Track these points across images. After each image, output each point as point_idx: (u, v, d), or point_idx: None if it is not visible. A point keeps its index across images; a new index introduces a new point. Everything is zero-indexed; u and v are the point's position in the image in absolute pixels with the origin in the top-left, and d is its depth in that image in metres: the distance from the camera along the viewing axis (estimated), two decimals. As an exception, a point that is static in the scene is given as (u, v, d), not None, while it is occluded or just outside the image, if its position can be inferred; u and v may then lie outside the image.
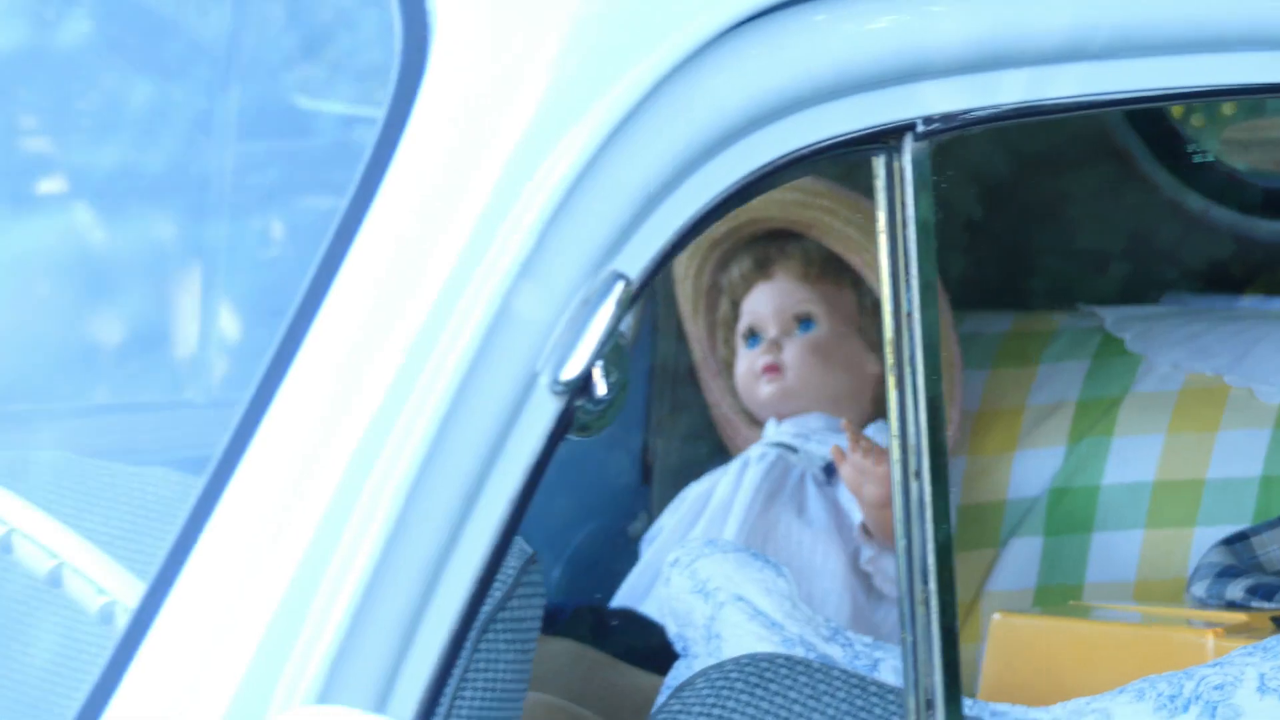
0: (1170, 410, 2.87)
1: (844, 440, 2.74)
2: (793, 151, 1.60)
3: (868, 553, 2.75)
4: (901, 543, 1.60)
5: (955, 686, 1.63)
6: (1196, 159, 3.29)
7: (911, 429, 1.63)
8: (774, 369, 2.89)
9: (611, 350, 1.44)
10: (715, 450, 3.00)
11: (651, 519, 2.95)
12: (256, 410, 1.40)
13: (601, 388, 1.42)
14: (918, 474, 1.60)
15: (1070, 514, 2.89)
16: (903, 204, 1.69)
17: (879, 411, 2.88)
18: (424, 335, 1.42)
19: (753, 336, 2.95)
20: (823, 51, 1.61)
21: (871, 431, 2.85)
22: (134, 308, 2.71)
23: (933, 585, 1.58)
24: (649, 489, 3.11)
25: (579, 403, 1.44)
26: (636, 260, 1.50)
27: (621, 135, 1.51)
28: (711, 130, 1.55)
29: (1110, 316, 2.96)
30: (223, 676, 1.34)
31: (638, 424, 3.17)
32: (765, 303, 2.98)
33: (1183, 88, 1.86)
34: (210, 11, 2.87)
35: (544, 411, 1.43)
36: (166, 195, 2.81)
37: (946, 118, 1.68)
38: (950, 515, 1.68)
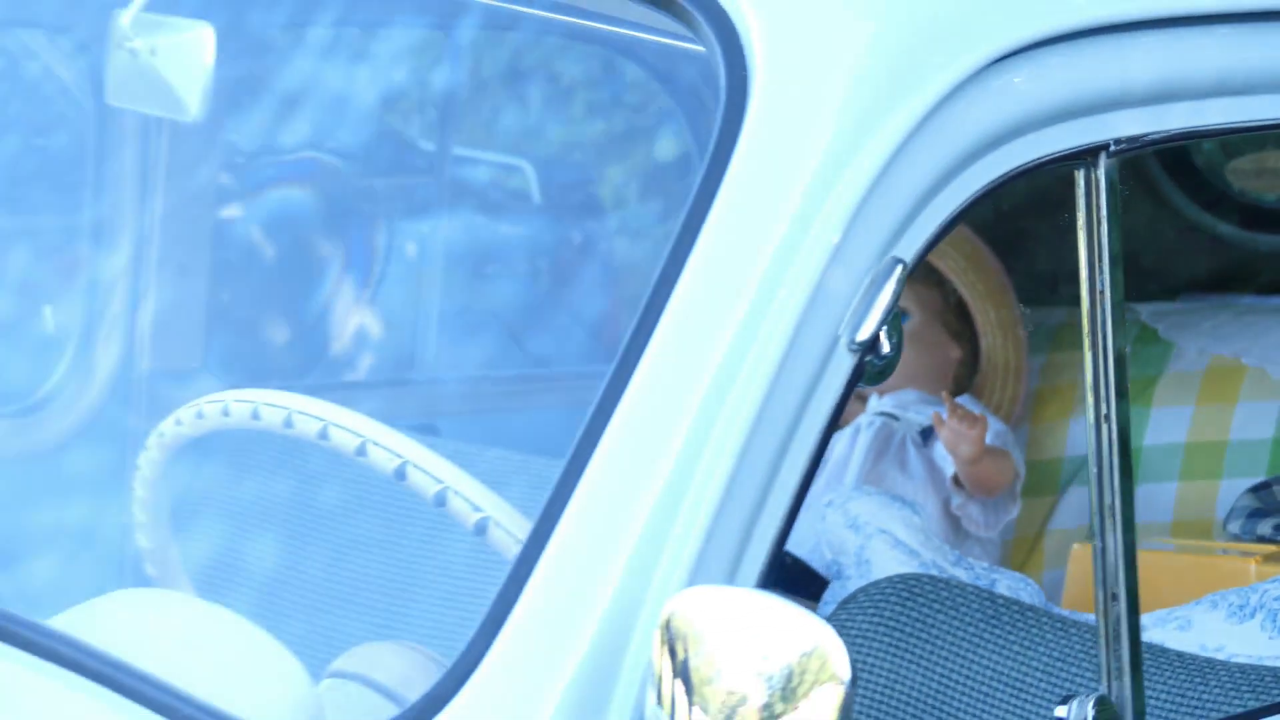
0: (1198, 386, 3.39)
1: (941, 409, 3.15)
2: (1020, 165, 1.94)
3: (957, 500, 3.24)
4: (1093, 470, 1.96)
5: (1134, 588, 1.96)
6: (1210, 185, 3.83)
7: (1103, 388, 1.97)
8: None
9: (892, 318, 1.77)
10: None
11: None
12: (627, 366, 1.74)
13: (885, 347, 1.75)
14: (1107, 418, 1.94)
15: (1116, 471, 3.37)
16: (1098, 207, 2.03)
17: (960, 387, 3.38)
18: (759, 306, 1.76)
19: None
20: (1048, 86, 1.97)
21: (963, 401, 3.29)
22: (535, 297, 3.27)
23: (1118, 505, 1.96)
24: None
25: (868, 358, 1.77)
26: (910, 248, 1.83)
27: (902, 152, 1.83)
28: (966, 147, 1.89)
29: (1145, 310, 3.45)
30: (612, 565, 1.71)
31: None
32: None
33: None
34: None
35: (843, 365, 1.77)
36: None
37: (1131, 140, 2.03)
38: (1129, 454, 2.03)
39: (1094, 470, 2.01)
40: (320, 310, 3.59)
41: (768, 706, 1.60)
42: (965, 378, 3.45)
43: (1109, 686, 1.97)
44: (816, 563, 3.10)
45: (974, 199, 1.95)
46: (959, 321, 3.46)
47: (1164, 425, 3.40)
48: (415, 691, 1.97)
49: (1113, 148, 2.07)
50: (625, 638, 1.76)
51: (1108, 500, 1.97)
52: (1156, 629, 2.62)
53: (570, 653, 1.76)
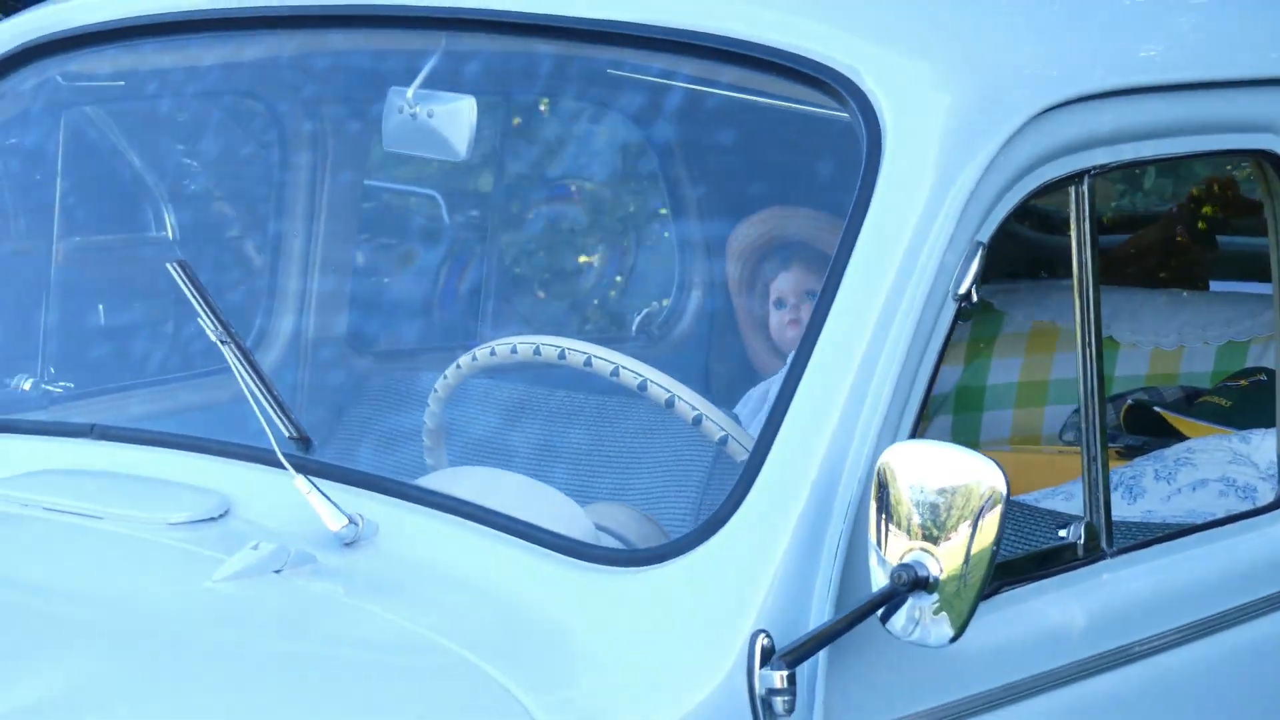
0: (1025, 341, 4.30)
1: None
2: (1045, 182, 2.77)
3: None
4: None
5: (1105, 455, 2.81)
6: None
7: (1088, 346, 2.87)
8: (795, 324, 3.65)
9: (980, 279, 2.55)
10: (755, 370, 3.90)
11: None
12: (822, 313, 2.52)
13: (974, 297, 2.52)
14: (1085, 371, 2.87)
15: (967, 402, 4.31)
16: (1084, 212, 2.90)
17: None
18: (904, 275, 2.51)
19: (779, 303, 3.74)
20: (1061, 132, 2.78)
21: None
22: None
23: (1096, 416, 2.84)
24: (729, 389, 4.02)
25: (964, 305, 2.56)
26: (985, 234, 2.61)
27: (980, 179, 2.59)
28: (1016, 171, 2.69)
29: (985, 290, 4.17)
30: (829, 426, 2.44)
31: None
32: (788, 283, 3.75)
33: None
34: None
35: (949, 310, 2.55)
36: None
37: (1101, 167, 2.88)
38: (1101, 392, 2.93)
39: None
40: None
41: (946, 523, 2.30)
42: None
43: (1090, 515, 2.76)
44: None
45: (1020, 204, 2.79)
46: None
47: (1001, 369, 4.29)
48: (646, 539, 2.77)
49: (1093, 171, 2.94)
50: (834, 490, 2.45)
51: (1092, 414, 2.87)
52: (1047, 500, 3.31)
53: (797, 500, 2.44)
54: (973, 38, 3.05)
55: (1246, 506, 3.40)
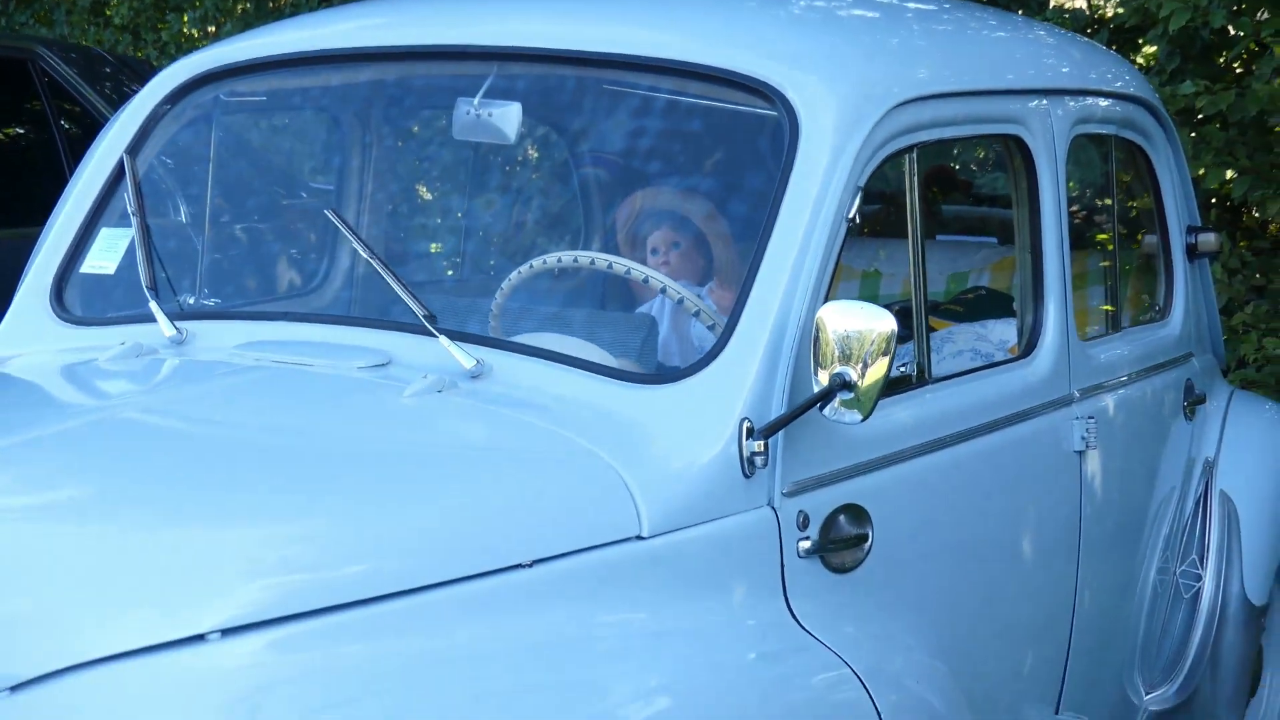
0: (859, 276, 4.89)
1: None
2: (893, 150, 3.64)
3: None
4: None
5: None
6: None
7: (918, 264, 3.73)
8: (666, 264, 4.12)
9: (859, 209, 3.45)
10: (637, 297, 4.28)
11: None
12: (767, 233, 3.36)
13: (856, 219, 3.41)
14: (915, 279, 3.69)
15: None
16: (913, 177, 3.83)
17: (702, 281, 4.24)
18: (816, 209, 3.36)
19: (654, 251, 4.20)
20: (903, 120, 3.67)
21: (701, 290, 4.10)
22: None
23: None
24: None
25: (851, 223, 3.45)
26: (863, 180, 3.44)
27: (860, 148, 3.47)
28: (880, 142, 3.53)
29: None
30: (778, 296, 3.26)
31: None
32: (658, 239, 4.21)
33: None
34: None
35: (843, 227, 3.42)
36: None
37: (923, 143, 3.81)
38: None
39: None
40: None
41: (862, 350, 3.13)
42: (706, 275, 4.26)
43: (918, 360, 3.63)
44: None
45: (880, 164, 3.63)
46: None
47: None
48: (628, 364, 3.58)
49: (917, 146, 3.85)
50: (784, 335, 3.28)
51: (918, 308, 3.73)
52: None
53: (761, 340, 3.28)
54: (850, 62, 3.94)
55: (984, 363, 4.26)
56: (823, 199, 3.54)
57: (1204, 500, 4.95)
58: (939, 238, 5.76)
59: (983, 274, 5.01)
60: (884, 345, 3.21)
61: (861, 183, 3.59)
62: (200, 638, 2.64)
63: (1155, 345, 4.80)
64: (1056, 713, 4.31)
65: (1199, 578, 4.88)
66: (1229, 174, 7.85)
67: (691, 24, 4.13)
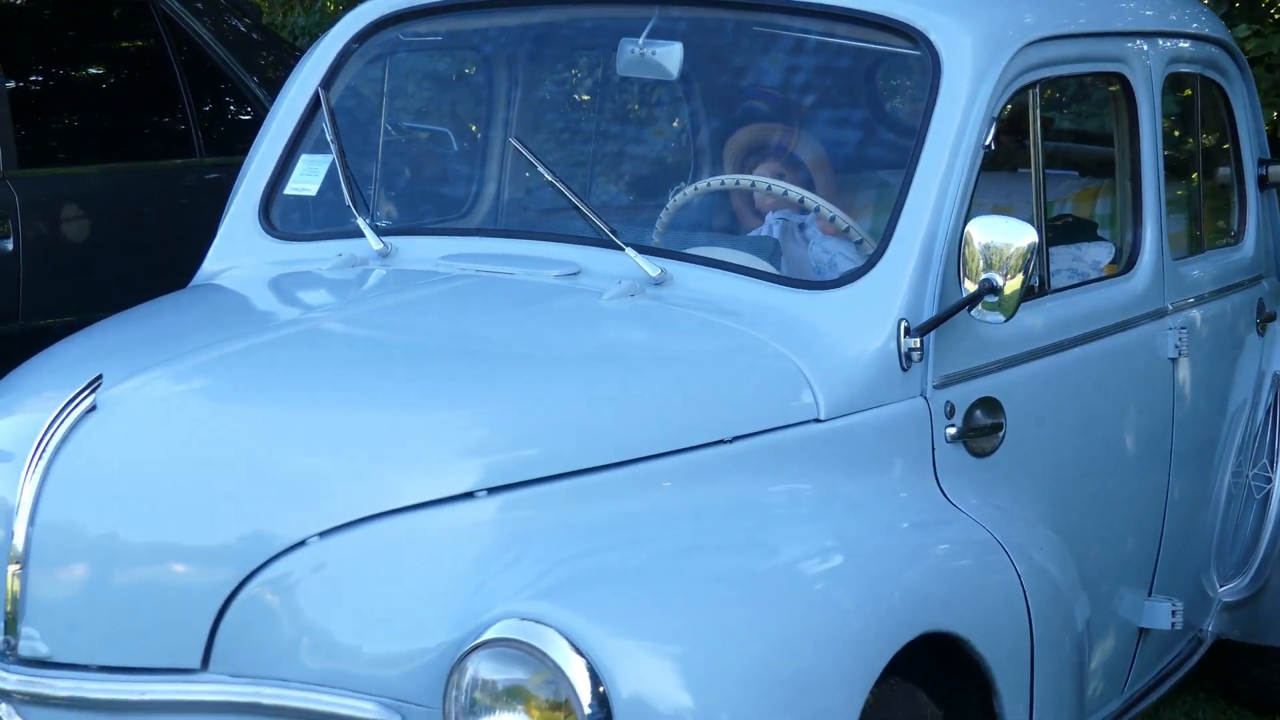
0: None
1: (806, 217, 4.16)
2: (1021, 85, 3.90)
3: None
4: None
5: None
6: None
7: (1040, 193, 3.96)
8: (769, 196, 4.20)
9: (995, 139, 3.74)
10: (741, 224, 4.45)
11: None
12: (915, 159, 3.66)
13: (992, 146, 3.70)
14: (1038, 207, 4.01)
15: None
16: (1036, 111, 4.01)
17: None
18: (959, 135, 3.66)
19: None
20: (1025, 58, 3.89)
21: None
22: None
23: None
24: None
25: (988, 149, 3.72)
26: (996, 110, 3.72)
27: (997, 81, 3.76)
28: (1013, 77, 3.81)
29: None
30: (928, 211, 3.58)
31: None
32: (765, 170, 4.25)
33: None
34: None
35: (981, 152, 3.71)
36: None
37: (1046, 79, 3.98)
38: None
39: None
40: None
41: (1005, 258, 3.36)
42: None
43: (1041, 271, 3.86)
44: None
45: (1011, 97, 3.86)
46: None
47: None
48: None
49: (1040, 82, 4.06)
50: (934, 246, 3.55)
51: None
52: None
53: (915, 250, 3.57)
54: (984, 9, 4.12)
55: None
56: (964, 128, 3.78)
57: (1273, 410, 5.12)
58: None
59: (1065, 204, 5.02)
60: (1025, 255, 3.47)
61: (995, 114, 3.83)
62: (470, 495, 2.98)
63: (1231, 267, 5.00)
64: (1149, 596, 4.53)
65: (1269, 480, 5.06)
66: (1276, 114, 7.98)
67: None
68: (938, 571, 3.36)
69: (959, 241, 3.59)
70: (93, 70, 7.46)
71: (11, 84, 6.56)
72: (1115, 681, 4.37)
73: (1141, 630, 4.50)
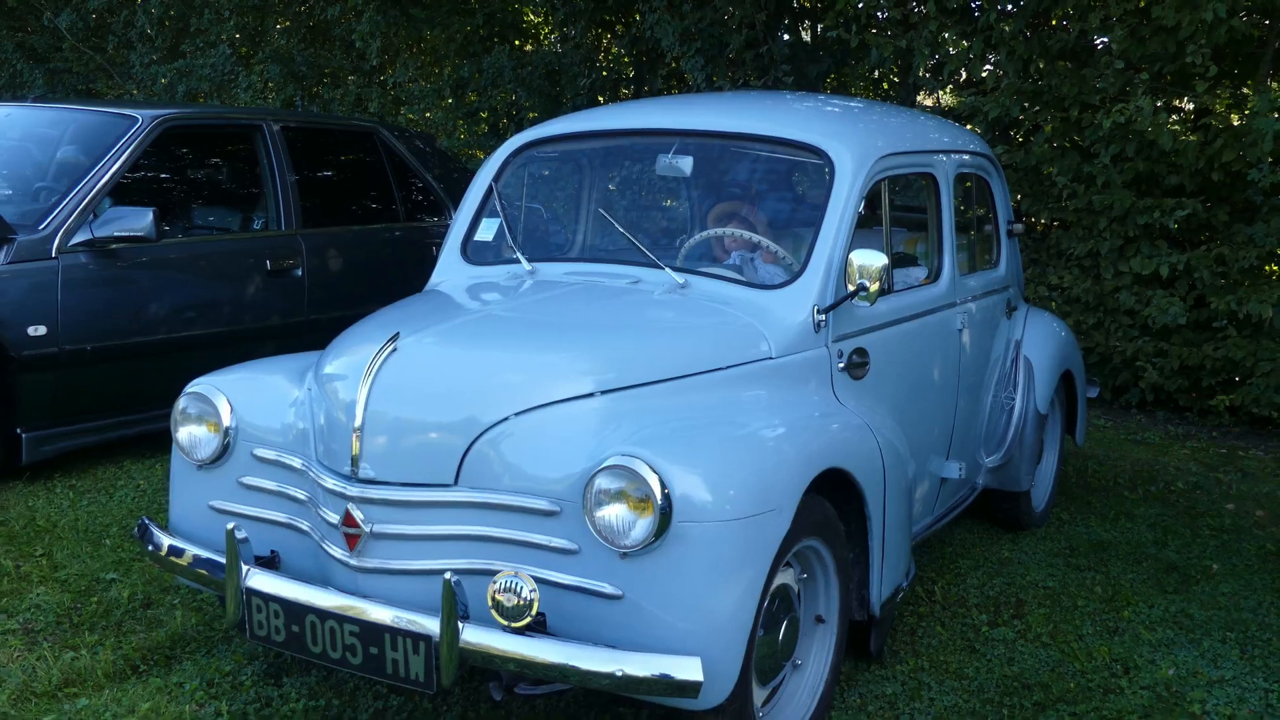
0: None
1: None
2: (876, 181, 4.04)
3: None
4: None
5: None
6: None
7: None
8: (732, 248, 4.09)
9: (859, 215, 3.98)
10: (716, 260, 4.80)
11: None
12: (820, 221, 3.86)
13: (857, 218, 4.10)
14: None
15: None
16: (886, 199, 4.16)
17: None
18: (845, 211, 3.86)
19: (725, 242, 4.13)
20: (880, 165, 4.08)
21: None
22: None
23: None
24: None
25: (859, 216, 3.93)
26: (862, 199, 3.93)
27: (866, 180, 3.95)
28: (870, 178, 3.98)
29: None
30: (829, 252, 3.83)
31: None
32: (730, 236, 4.09)
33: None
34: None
35: (855, 220, 3.92)
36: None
37: (890, 178, 4.17)
38: None
39: None
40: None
41: (866, 275, 3.73)
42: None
43: (887, 281, 4.15)
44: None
45: (872, 189, 4.00)
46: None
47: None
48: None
49: (887, 178, 4.17)
50: (832, 266, 3.75)
51: None
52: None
53: (820, 269, 3.72)
54: (857, 136, 4.18)
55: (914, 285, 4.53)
56: (848, 202, 3.99)
57: (1015, 360, 5.36)
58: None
59: (900, 245, 4.89)
60: (881, 270, 3.73)
61: (864, 195, 4.06)
62: (591, 395, 3.27)
63: (991, 280, 5.21)
64: (947, 459, 4.78)
65: (1012, 399, 5.30)
66: (1018, 196, 8.33)
67: (776, 116, 4.43)
68: (835, 437, 3.43)
69: (844, 263, 3.81)
70: (340, 169, 7.63)
71: (296, 178, 6.78)
72: (928, 506, 4.55)
73: (942, 479, 4.68)
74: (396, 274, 6.56)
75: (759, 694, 3.24)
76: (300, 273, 6.55)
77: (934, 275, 4.62)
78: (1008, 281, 5.38)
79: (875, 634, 3.86)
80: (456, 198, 7.58)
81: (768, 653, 3.25)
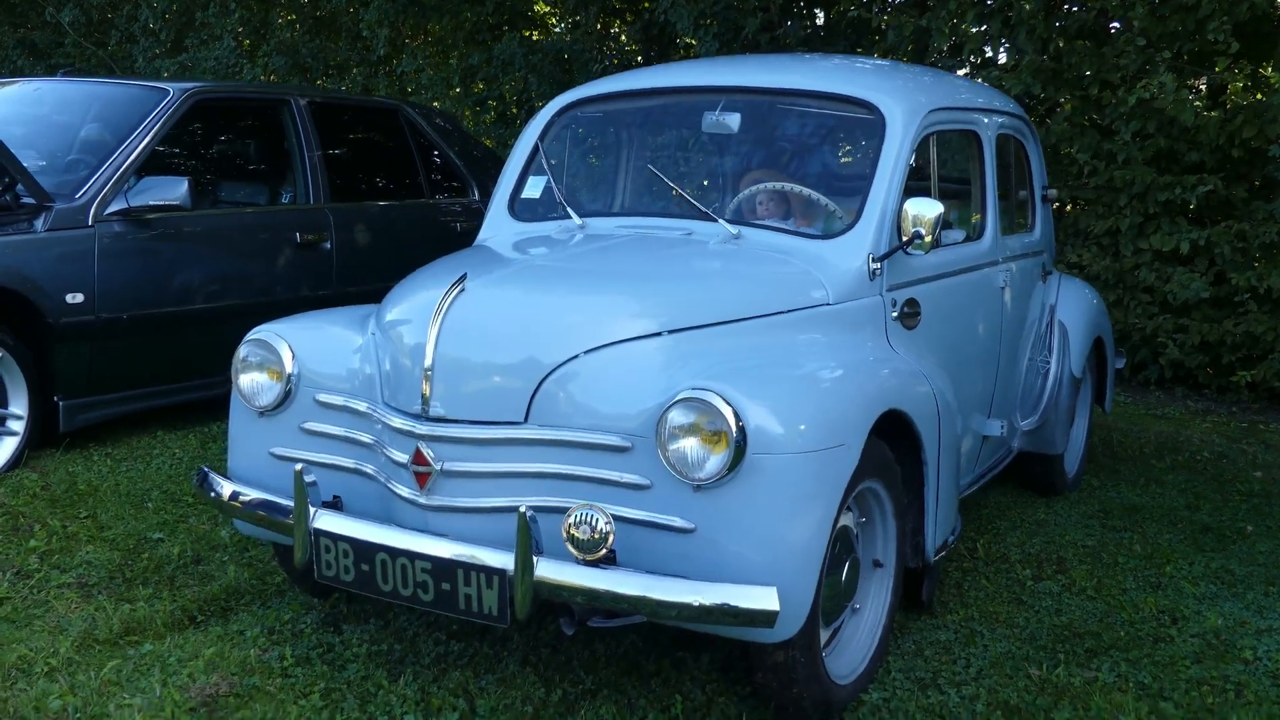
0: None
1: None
2: (927, 133, 4.06)
3: None
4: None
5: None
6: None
7: None
8: (766, 210, 4.04)
9: (912, 165, 3.94)
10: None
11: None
12: (873, 169, 3.88)
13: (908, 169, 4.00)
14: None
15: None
16: (931, 149, 4.18)
17: None
18: (897, 161, 3.88)
19: (760, 204, 4.10)
20: (931, 119, 4.11)
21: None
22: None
23: None
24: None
25: (911, 167, 3.91)
26: (913, 152, 3.95)
27: (918, 132, 3.98)
28: (921, 131, 3.99)
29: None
30: (882, 197, 3.86)
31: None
32: (762, 197, 4.07)
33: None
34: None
35: (907, 170, 3.94)
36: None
37: (938, 131, 4.15)
38: None
39: None
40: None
41: (922, 224, 3.71)
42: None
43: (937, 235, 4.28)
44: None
45: (923, 141, 4.02)
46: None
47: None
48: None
49: (934, 133, 4.20)
50: (886, 215, 3.73)
51: None
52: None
53: (874, 218, 3.74)
54: (907, 91, 4.19)
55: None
56: (900, 152, 4.00)
57: (1050, 324, 5.41)
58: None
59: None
60: (936, 219, 3.74)
61: (915, 147, 4.07)
62: (659, 334, 3.27)
63: (1028, 244, 5.22)
64: (989, 417, 4.79)
65: (1048, 362, 5.35)
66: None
67: (823, 72, 4.43)
68: (893, 380, 3.42)
69: (897, 214, 3.84)
70: (366, 146, 7.65)
71: (323, 153, 6.86)
72: (970, 464, 4.56)
73: (984, 437, 4.69)
74: (423, 248, 6.57)
75: (822, 635, 3.29)
76: (329, 246, 6.57)
77: (977, 233, 4.63)
78: (1042, 246, 5.40)
79: (927, 582, 3.86)
80: (478, 176, 7.65)
81: (831, 593, 3.25)
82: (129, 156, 5.70)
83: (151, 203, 5.65)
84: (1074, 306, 5.46)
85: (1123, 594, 4.31)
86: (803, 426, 2.98)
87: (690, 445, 2.87)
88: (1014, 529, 5.03)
